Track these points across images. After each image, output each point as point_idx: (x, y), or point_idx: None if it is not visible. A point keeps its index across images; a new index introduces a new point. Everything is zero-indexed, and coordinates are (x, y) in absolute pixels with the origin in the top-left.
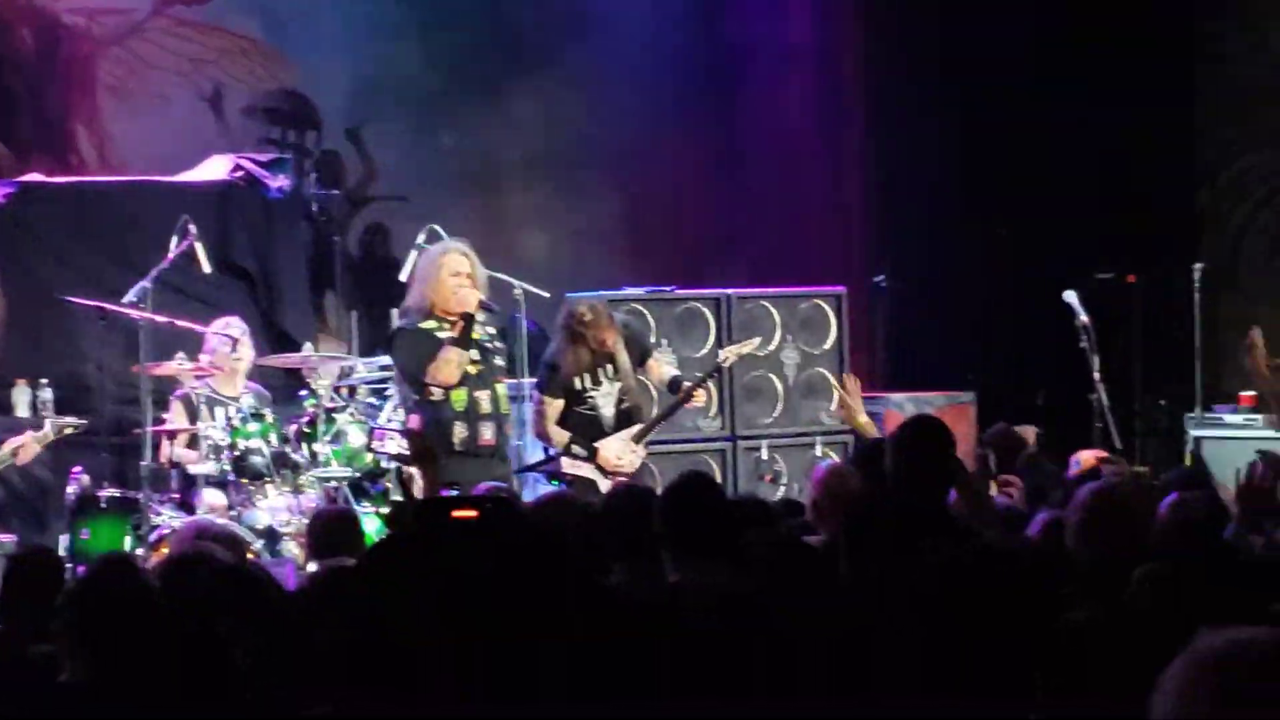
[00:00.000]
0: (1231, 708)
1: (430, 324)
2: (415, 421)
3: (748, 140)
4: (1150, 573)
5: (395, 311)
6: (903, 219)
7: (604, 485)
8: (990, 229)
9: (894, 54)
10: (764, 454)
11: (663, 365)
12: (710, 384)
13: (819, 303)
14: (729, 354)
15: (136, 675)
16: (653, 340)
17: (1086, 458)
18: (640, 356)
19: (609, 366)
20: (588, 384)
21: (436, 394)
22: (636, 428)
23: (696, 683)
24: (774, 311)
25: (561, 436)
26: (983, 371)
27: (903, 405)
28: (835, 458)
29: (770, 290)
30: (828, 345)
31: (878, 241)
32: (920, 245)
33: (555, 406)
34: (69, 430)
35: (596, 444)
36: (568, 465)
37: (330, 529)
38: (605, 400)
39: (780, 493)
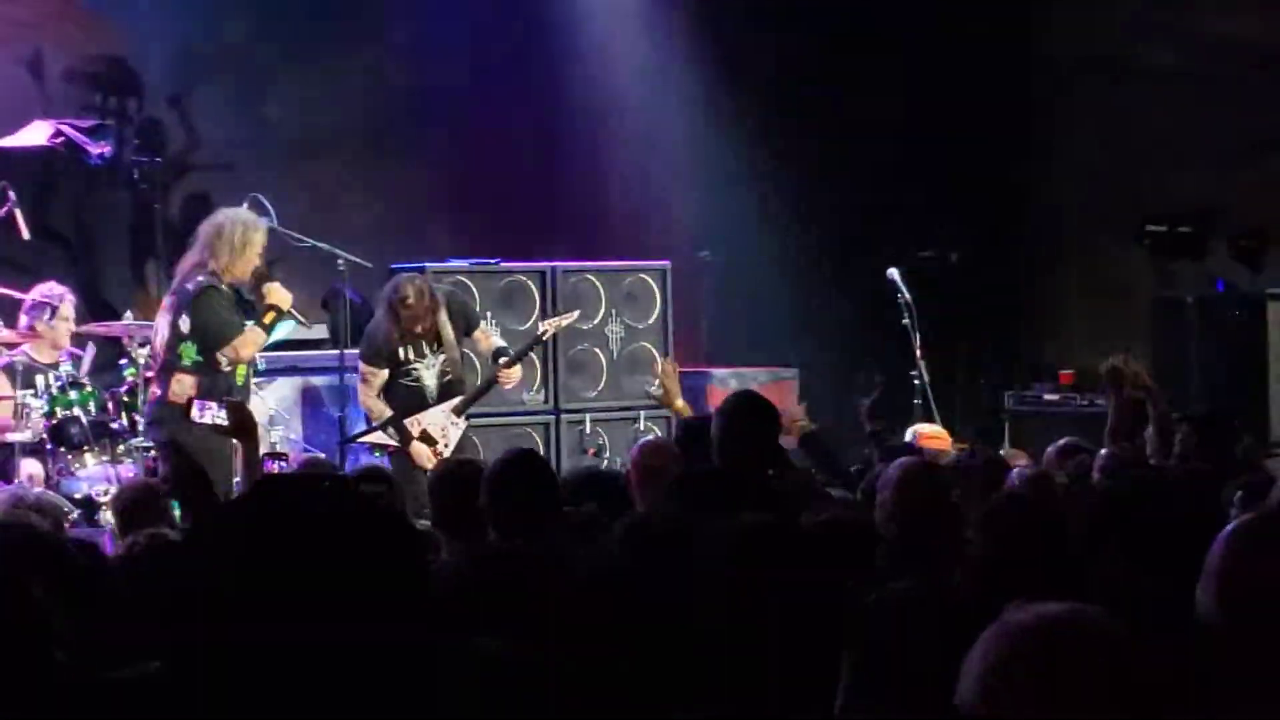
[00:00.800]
0: (1039, 680)
1: (227, 291)
2: (186, 382)
3: (574, 112)
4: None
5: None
6: (728, 193)
7: (424, 454)
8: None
9: (720, 23)
10: (587, 428)
11: (491, 337)
12: (533, 355)
13: (644, 277)
14: (549, 326)
15: None
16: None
17: (923, 431)
18: (466, 327)
19: (434, 342)
20: (411, 355)
21: (223, 363)
22: (457, 399)
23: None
24: (599, 285)
25: (382, 411)
26: (804, 347)
27: (726, 381)
28: (658, 432)
29: (595, 264)
30: (652, 320)
31: (702, 216)
32: (745, 220)
33: (379, 376)
34: None
35: (416, 416)
36: (389, 438)
37: (135, 502)
38: (429, 372)
39: (603, 466)
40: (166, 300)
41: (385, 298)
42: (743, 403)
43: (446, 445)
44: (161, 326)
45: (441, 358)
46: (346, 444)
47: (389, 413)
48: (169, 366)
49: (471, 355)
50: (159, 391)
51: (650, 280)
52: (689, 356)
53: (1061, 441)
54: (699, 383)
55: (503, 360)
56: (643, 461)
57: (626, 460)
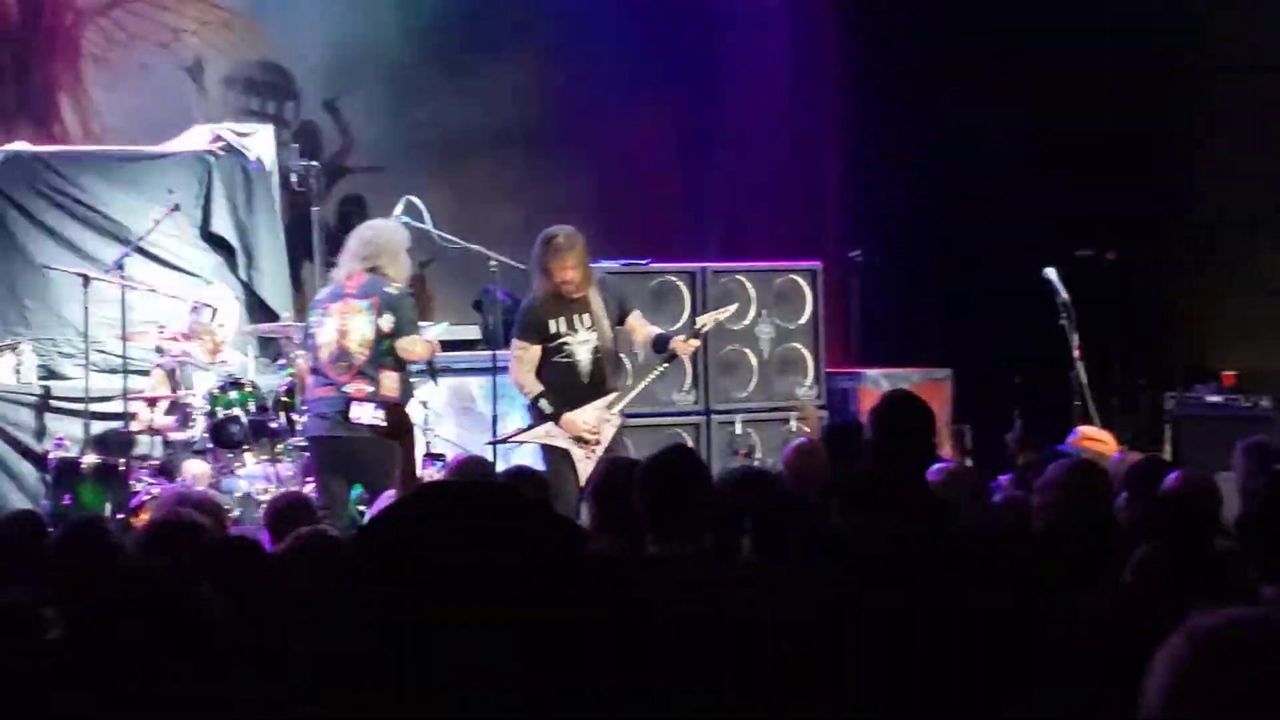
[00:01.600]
0: (1234, 687)
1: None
2: (394, 379)
3: (722, 112)
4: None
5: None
6: (880, 192)
7: (577, 454)
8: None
9: (871, 24)
10: (738, 428)
11: (646, 325)
12: (682, 356)
13: (794, 277)
14: (707, 320)
15: (112, 633)
16: None
17: (1086, 433)
18: (619, 314)
19: (585, 315)
20: (562, 328)
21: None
22: (612, 395)
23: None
24: (749, 285)
25: (534, 387)
26: (958, 348)
27: (878, 381)
28: (810, 433)
29: (745, 264)
30: (803, 320)
31: (854, 215)
32: (897, 219)
33: (532, 352)
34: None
35: (571, 412)
36: (542, 436)
37: (285, 511)
38: (581, 347)
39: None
40: (352, 302)
41: (534, 252)
42: (898, 404)
43: (600, 442)
44: (358, 327)
45: (593, 333)
46: (499, 444)
47: (539, 389)
48: (374, 363)
49: (623, 356)
50: (368, 388)
51: (801, 280)
52: (840, 357)
53: (1250, 439)
54: (850, 384)
55: (680, 337)
56: (795, 463)
57: (778, 461)
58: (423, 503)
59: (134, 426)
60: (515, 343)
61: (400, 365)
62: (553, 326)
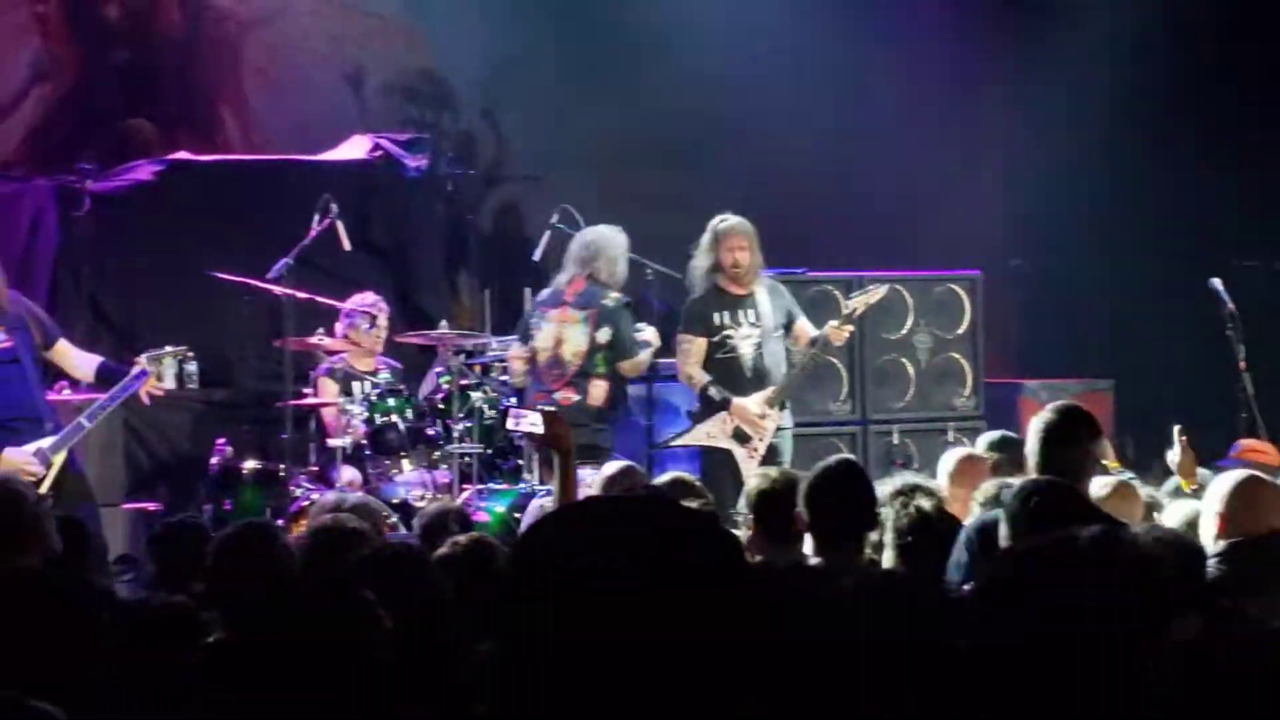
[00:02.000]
0: None
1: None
2: (602, 389)
3: (880, 118)
4: None
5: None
6: (1039, 201)
7: (739, 454)
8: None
9: (1032, 28)
10: (895, 439)
11: (810, 330)
12: (839, 365)
13: (953, 286)
14: (857, 304)
15: (275, 636)
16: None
17: (1248, 445)
18: (788, 317)
19: (750, 311)
20: (726, 321)
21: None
22: (769, 390)
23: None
24: (907, 295)
25: (702, 377)
26: (1121, 358)
27: (1038, 392)
28: (967, 443)
29: (903, 273)
30: (961, 330)
31: (1013, 224)
32: (1059, 228)
33: (698, 345)
34: (169, 360)
35: (725, 413)
36: (702, 439)
37: (435, 522)
38: (745, 343)
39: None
40: (570, 312)
41: (702, 240)
42: (1062, 415)
43: (761, 440)
44: (574, 337)
45: (757, 329)
46: (660, 449)
47: (707, 378)
48: (584, 373)
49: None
50: (575, 396)
51: (959, 290)
52: (1000, 367)
53: None
54: (1010, 395)
55: (831, 323)
56: (962, 471)
57: (931, 472)
58: (579, 514)
59: (294, 432)
60: (681, 337)
61: (613, 376)
62: (716, 319)
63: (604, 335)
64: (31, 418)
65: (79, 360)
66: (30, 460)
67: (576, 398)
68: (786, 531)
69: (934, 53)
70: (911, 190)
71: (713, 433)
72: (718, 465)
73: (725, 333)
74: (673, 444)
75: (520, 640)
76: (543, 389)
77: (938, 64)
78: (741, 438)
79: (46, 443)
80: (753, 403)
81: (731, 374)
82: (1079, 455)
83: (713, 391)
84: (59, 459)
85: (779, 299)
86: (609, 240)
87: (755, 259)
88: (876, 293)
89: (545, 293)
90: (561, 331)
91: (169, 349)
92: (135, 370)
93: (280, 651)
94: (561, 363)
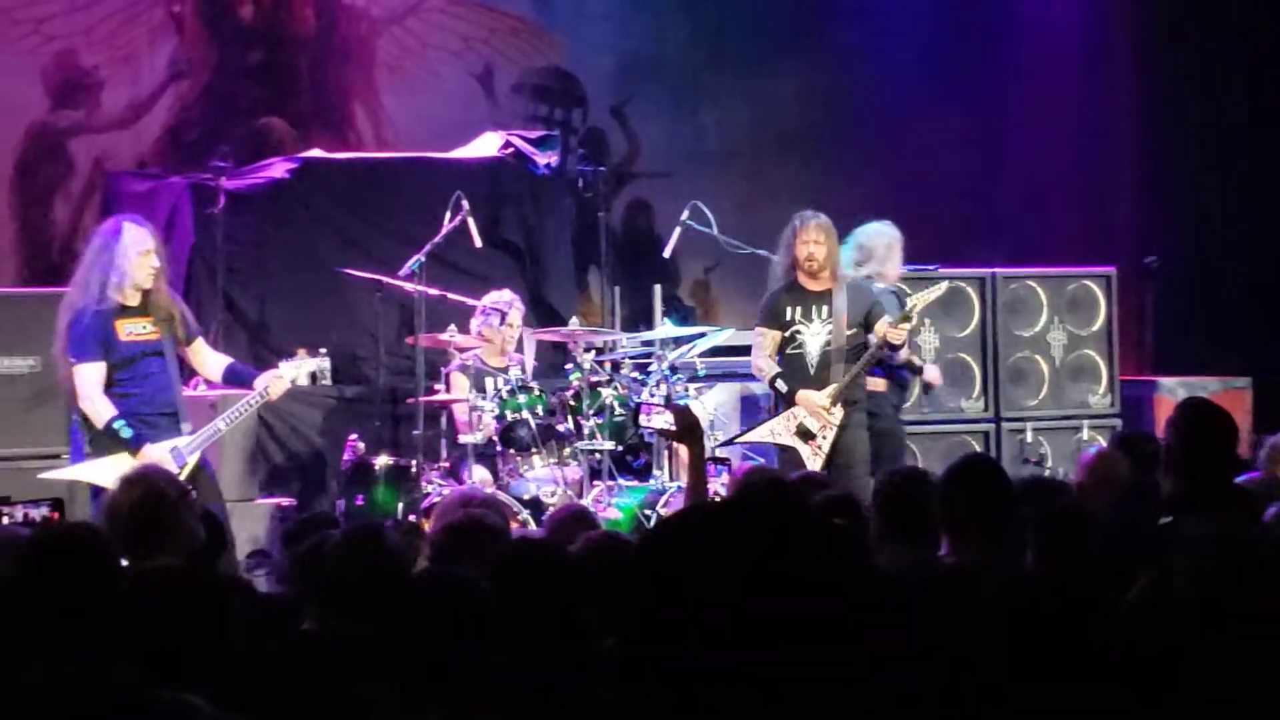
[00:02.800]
0: None
1: None
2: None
3: (1011, 112)
4: None
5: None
6: (1176, 196)
7: (805, 452)
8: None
9: (1165, 25)
10: (1028, 437)
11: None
12: (972, 362)
13: (1087, 283)
14: (917, 300)
15: (383, 637)
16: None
17: None
18: (866, 318)
19: (824, 308)
20: (797, 315)
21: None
22: (831, 387)
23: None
24: (1040, 291)
25: (771, 369)
26: (1260, 356)
27: (1174, 390)
28: (1102, 442)
29: (1037, 269)
30: (1096, 327)
31: (1149, 218)
32: (1195, 224)
33: (770, 338)
34: (306, 370)
35: (791, 410)
36: (766, 435)
37: (565, 520)
38: (813, 339)
39: (1045, 475)
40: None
41: (782, 235)
42: (1198, 412)
43: (825, 437)
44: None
45: (828, 327)
46: (726, 445)
47: (775, 370)
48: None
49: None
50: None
51: (1094, 286)
52: (1135, 365)
53: None
54: (1145, 393)
55: (886, 319)
56: (1096, 469)
57: (1067, 470)
58: (707, 513)
59: (426, 428)
60: (756, 329)
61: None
62: (788, 313)
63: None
64: (170, 413)
65: (211, 360)
66: (167, 458)
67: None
68: (914, 530)
69: (1066, 46)
70: (1046, 186)
71: (777, 430)
72: (787, 464)
73: (795, 328)
74: (738, 440)
75: (650, 636)
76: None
77: (1070, 58)
78: (805, 435)
79: (183, 441)
80: (818, 394)
81: (796, 370)
82: (1218, 451)
83: (779, 384)
84: (194, 459)
85: (859, 298)
86: (879, 235)
87: (832, 255)
88: (936, 290)
89: None
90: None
91: (310, 360)
92: (260, 385)
93: (393, 649)
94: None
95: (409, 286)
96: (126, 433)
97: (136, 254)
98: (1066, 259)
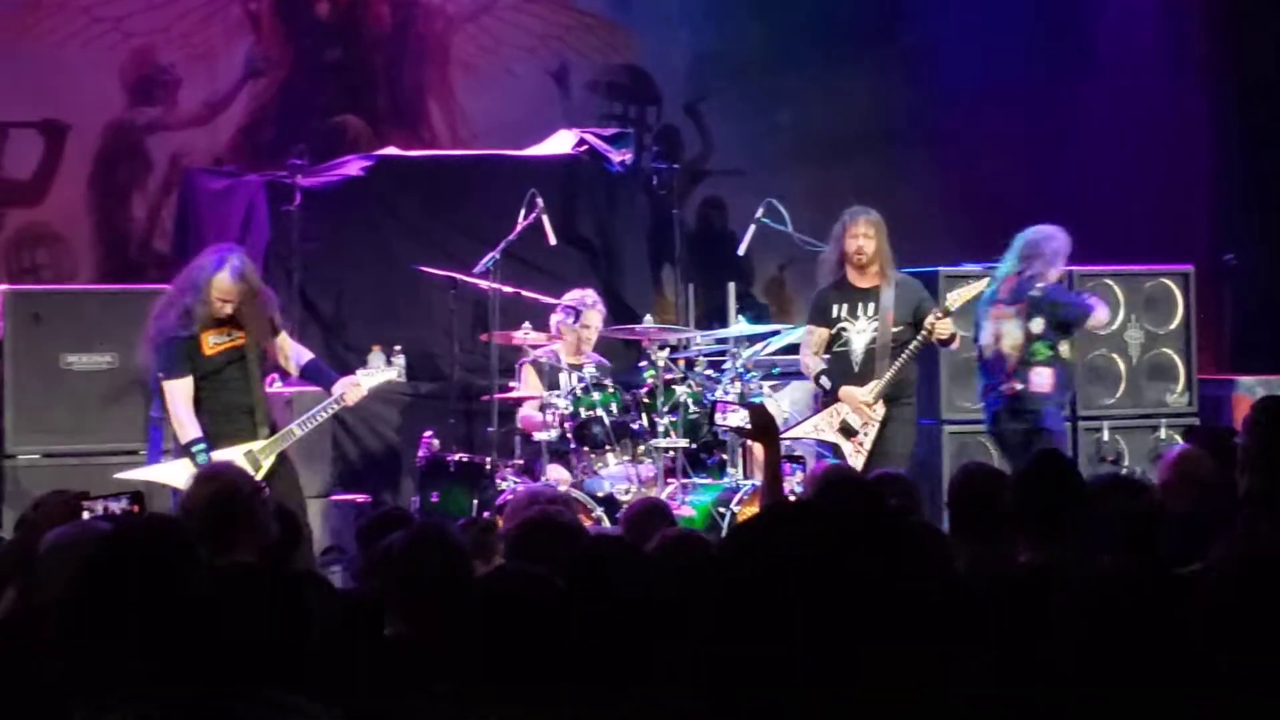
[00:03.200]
0: None
1: None
2: (1046, 374)
3: (1085, 108)
4: None
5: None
6: (1253, 193)
7: (847, 448)
8: None
9: (1242, 21)
10: (1105, 436)
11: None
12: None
13: (1165, 281)
14: (955, 297)
15: (449, 636)
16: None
17: None
18: (914, 314)
19: (870, 305)
20: (844, 313)
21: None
22: (874, 383)
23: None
24: (1117, 289)
25: (816, 365)
26: None
27: (1253, 389)
28: (1180, 440)
29: (1114, 267)
30: (1174, 325)
31: (1227, 214)
32: (1272, 220)
33: (818, 335)
34: (383, 379)
35: (834, 407)
36: (810, 431)
37: (642, 515)
38: (858, 336)
39: (1123, 473)
40: (1004, 308)
41: (836, 226)
42: (1276, 410)
43: (867, 434)
44: (1010, 331)
45: (874, 324)
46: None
47: (820, 367)
48: (1025, 363)
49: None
50: (1019, 386)
51: (1172, 284)
52: (1213, 364)
53: None
54: (1223, 392)
55: (935, 312)
56: (1180, 468)
57: (1148, 469)
58: (792, 513)
59: (500, 426)
60: (806, 326)
61: (1054, 361)
62: (834, 310)
63: (1037, 326)
64: (247, 412)
65: (293, 353)
66: (242, 462)
67: (1020, 387)
68: (988, 528)
69: (1141, 41)
70: (1122, 183)
71: (820, 426)
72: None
73: (841, 324)
74: (782, 435)
75: (732, 633)
76: (989, 383)
77: (1146, 53)
78: (848, 431)
79: (258, 444)
80: (861, 390)
81: (842, 367)
82: None
83: (823, 380)
84: (268, 462)
85: (908, 294)
86: (1045, 237)
87: (881, 250)
88: (976, 286)
89: (986, 292)
90: (999, 327)
91: (388, 369)
92: (338, 392)
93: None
94: (1003, 357)
95: (484, 284)
96: (202, 458)
97: (217, 297)
98: (1143, 257)
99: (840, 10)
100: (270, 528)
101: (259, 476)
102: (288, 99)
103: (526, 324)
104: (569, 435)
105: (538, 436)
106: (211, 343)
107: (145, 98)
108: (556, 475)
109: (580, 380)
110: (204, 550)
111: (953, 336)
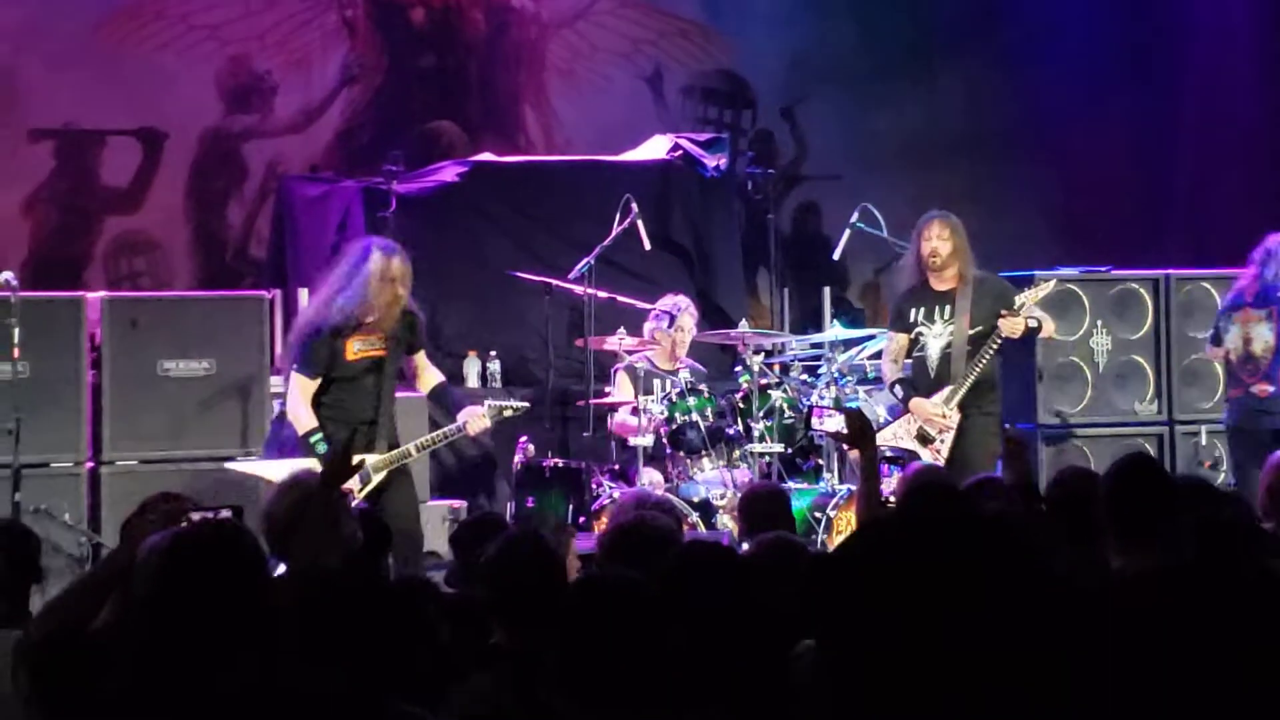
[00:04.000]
0: None
1: None
2: None
3: (1183, 114)
4: None
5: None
6: None
7: (925, 456)
8: None
9: None
10: (1202, 439)
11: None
12: (1144, 364)
13: None
14: (1026, 298)
15: (547, 647)
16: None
17: None
18: (994, 315)
19: (947, 308)
20: (920, 317)
21: None
22: (946, 390)
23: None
24: (1215, 293)
25: (893, 375)
26: None
27: None
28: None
29: (1211, 270)
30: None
31: None
32: None
33: (898, 342)
34: (508, 413)
35: (908, 414)
36: (889, 439)
37: (762, 506)
38: (934, 341)
39: (1219, 480)
40: (1251, 311)
41: (914, 231)
42: None
43: (944, 441)
44: (1261, 334)
45: (950, 328)
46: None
47: (896, 375)
48: (1277, 365)
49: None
50: (1270, 388)
51: None
52: None
53: None
54: None
55: (1004, 313)
56: (1274, 481)
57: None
58: (899, 523)
59: (594, 431)
60: (886, 334)
61: None
62: (911, 315)
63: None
64: (369, 422)
65: (426, 374)
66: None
67: (1271, 389)
68: (1081, 531)
69: (1237, 45)
70: (1218, 186)
71: (898, 434)
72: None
73: (918, 329)
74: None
75: (837, 643)
76: (1238, 385)
77: (1241, 57)
78: (924, 439)
79: (372, 458)
80: (930, 401)
81: (919, 373)
82: None
83: (896, 390)
84: (379, 477)
85: (986, 297)
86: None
87: (959, 252)
88: (1045, 287)
89: (1226, 297)
90: (1248, 330)
91: (511, 404)
92: (461, 419)
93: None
94: (1254, 359)
95: (578, 289)
96: (321, 448)
97: (379, 282)
98: (1240, 260)
99: (934, 13)
100: (354, 533)
101: (366, 489)
102: (383, 105)
103: (621, 329)
104: (664, 440)
105: (633, 442)
106: (355, 349)
107: (242, 105)
108: (651, 479)
109: (675, 385)
110: (285, 558)
111: (1029, 330)
